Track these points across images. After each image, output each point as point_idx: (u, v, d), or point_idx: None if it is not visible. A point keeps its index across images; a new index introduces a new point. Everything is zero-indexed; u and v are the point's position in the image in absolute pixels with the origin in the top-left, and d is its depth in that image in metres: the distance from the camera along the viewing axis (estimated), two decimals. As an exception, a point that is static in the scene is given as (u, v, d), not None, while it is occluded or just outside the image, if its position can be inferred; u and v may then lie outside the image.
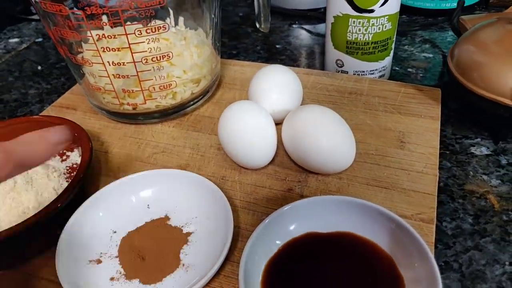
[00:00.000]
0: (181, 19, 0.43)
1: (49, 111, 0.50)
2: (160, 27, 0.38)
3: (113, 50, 0.38)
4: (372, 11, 0.46)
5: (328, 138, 0.35)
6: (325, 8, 0.70)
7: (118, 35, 0.37)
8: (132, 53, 0.38)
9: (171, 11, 0.42)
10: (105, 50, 0.38)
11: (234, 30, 0.68)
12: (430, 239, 0.32)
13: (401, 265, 0.29)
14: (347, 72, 0.52)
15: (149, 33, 0.37)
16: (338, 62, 0.52)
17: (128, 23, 0.37)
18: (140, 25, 0.37)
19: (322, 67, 0.56)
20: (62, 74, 0.61)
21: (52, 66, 0.64)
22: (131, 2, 0.35)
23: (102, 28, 0.37)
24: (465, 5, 0.60)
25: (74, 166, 0.40)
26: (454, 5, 0.63)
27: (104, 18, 0.36)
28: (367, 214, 0.31)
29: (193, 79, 0.44)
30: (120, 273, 0.31)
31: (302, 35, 0.66)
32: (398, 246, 0.30)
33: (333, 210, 0.31)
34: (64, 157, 0.41)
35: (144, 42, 0.38)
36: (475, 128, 0.44)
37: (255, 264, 0.29)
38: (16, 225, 0.31)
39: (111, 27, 0.38)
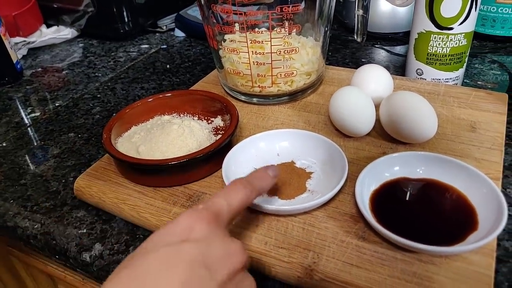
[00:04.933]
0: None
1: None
2: (291, 28, 0.51)
3: (258, 42, 0.52)
4: (451, 28, 0.57)
5: (417, 113, 0.46)
6: (404, 32, 0.82)
7: (264, 31, 0.51)
8: (271, 45, 0.51)
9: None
10: (253, 42, 0.52)
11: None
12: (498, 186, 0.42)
13: (474, 201, 0.39)
14: (425, 79, 0.63)
15: (284, 32, 0.51)
16: (418, 71, 0.64)
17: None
18: (280, 26, 0.51)
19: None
20: (187, 71, 0.77)
21: (178, 66, 0.79)
22: (279, 8, 0.49)
23: (253, 28, 0.52)
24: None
25: (218, 127, 0.53)
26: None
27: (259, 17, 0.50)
28: (448, 166, 0.42)
29: (307, 72, 0.57)
30: (263, 192, 0.43)
31: (383, 53, 0.78)
32: (471, 187, 0.40)
33: (423, 163, 0.43)
34: (209, 121, 0.54)
35: (281, 38, 0.51)
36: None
37: (365, 190, 0.40)
38: (191, 153, 0.45)
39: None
